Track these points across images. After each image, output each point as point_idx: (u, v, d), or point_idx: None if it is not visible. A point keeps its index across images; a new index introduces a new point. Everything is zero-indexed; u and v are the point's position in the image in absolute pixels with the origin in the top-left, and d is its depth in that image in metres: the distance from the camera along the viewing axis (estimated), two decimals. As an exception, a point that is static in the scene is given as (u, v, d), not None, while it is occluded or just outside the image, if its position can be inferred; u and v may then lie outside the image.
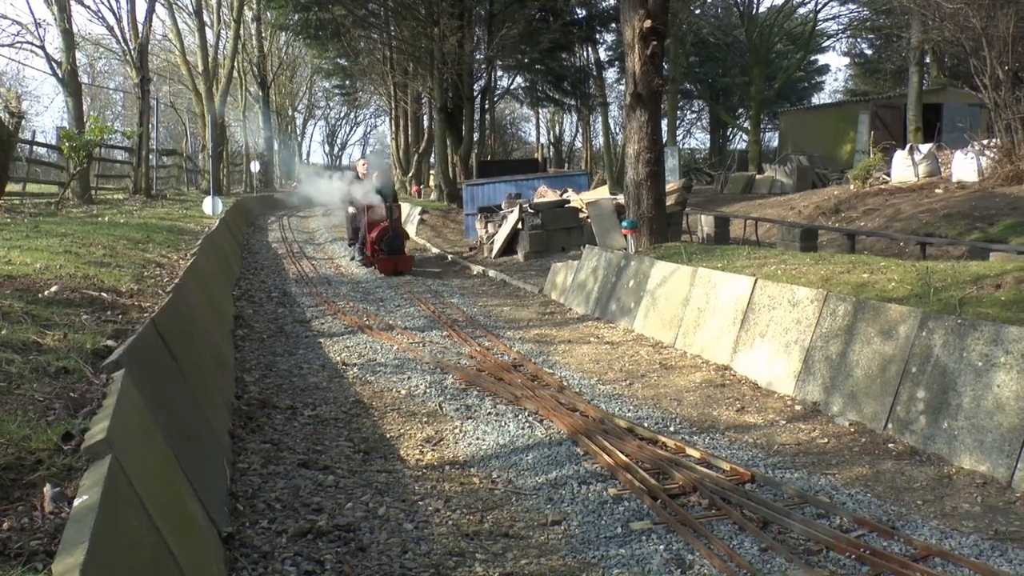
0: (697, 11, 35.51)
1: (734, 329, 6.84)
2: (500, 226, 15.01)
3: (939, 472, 4.48)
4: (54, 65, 17.35)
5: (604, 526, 3.87)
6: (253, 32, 39.25)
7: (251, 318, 9.11)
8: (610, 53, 37.43)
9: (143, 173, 20.73)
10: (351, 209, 14.49)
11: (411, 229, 20.45)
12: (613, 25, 29.60)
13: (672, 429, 5.34)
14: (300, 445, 4.92)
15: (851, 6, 35.72)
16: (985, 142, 16.35)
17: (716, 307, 7.19)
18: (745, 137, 40.87)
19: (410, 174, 34.16)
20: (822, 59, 50.20)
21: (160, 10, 27.96)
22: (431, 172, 30.21)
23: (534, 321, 9.13)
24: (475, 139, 27.72)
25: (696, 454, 4.71)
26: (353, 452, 4.89)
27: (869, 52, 40.67)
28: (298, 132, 61.64)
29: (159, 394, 3.68)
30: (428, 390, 6.29)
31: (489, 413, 5.70)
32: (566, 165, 45.92)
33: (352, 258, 14.90)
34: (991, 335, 4.63)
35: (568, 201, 14.80)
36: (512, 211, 14.57)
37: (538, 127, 50.70)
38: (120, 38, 21.72)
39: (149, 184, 21.26)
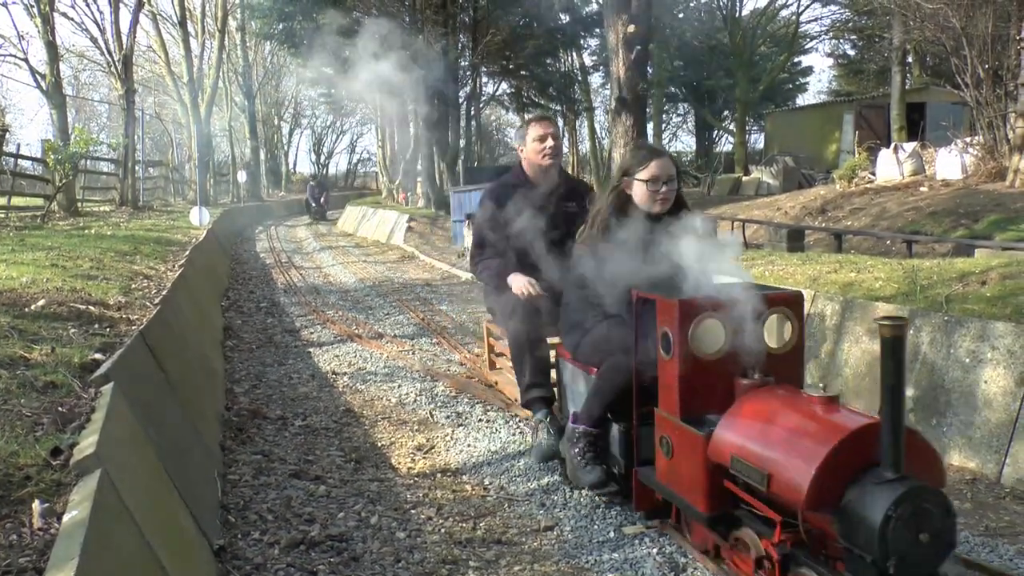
0: (680, 15, 35.72)
1: (723, 331, 6.84)
2: (488, 232, 14.95)
3: (929, 469, 4.50)
4: (38, 77, 17.29)
5: (597, 531, 3.87)
6: (238, 42, 39.24)
7: (240, 329, 9.07)
8: (595, 58, 37.60)
9: (129, 185, 20.67)
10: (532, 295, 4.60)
11: (399, 237, 20.38)
12: (597, 30, 29.72)
13: (663, 432, 5.34)
14: (291, 455, 4.91)
15: (833, 7, 36.07)
16: (968, 140, 16.52)
17: (705, 309, 7.19)
18: (731, 139, 41.09)
19: (397, 182, 34.22)
20: (805, 61, 50.60)
21: (144, 21, 27.93)
22: (418, 179, 30.22)
23: (524, 326, 9.10)
24: (461, 145, 27.76)
25: (687, 456, 4.71)
26: (344, 461, 4.87)
27: (852, 53, 41.01)
28: (284, 142, 61.58)
29: (148, 407, 3.66)
30: (419, 398, 6.27)
31: (480, 420, 5.69)
32: (553, 170, 45.96)
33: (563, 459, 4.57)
34: (978, 331, 4.66)
35: (556, 206, 14.78)
36: (500, 217, 14.52)
37: (524, 133, 50.77)
38: (104, 49, 21.70)
39: (136, 196, 21.19)
